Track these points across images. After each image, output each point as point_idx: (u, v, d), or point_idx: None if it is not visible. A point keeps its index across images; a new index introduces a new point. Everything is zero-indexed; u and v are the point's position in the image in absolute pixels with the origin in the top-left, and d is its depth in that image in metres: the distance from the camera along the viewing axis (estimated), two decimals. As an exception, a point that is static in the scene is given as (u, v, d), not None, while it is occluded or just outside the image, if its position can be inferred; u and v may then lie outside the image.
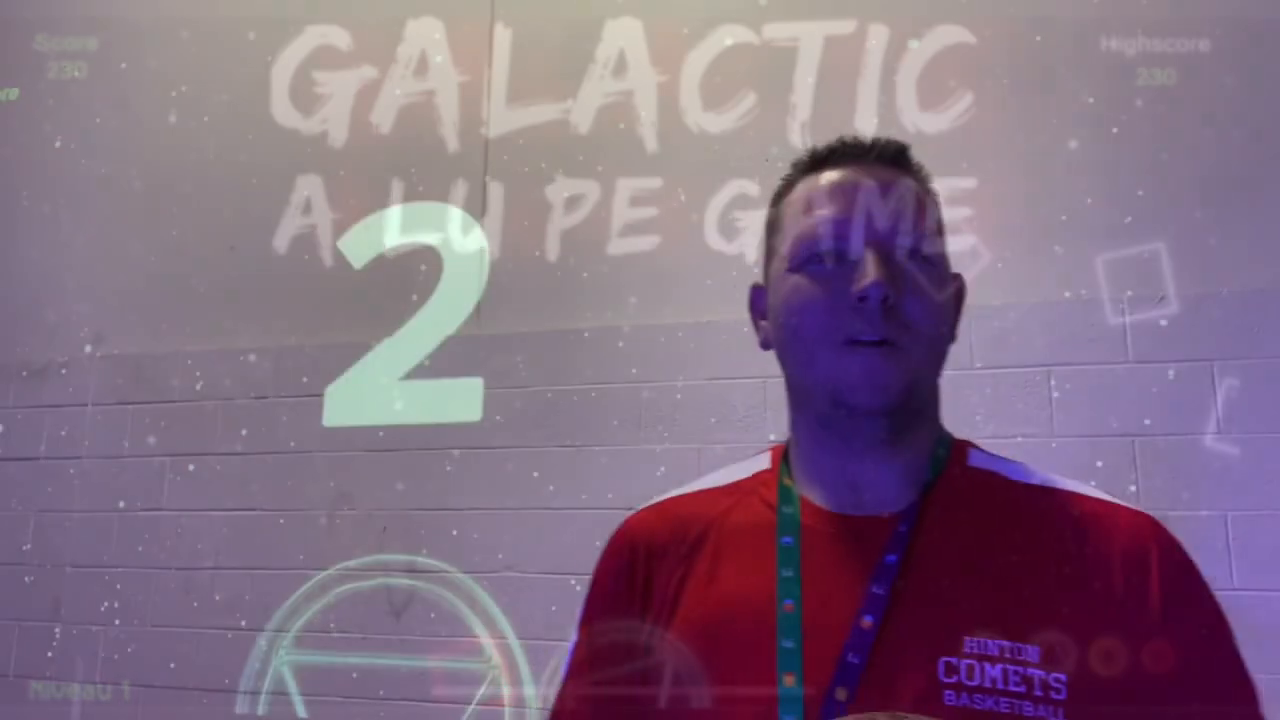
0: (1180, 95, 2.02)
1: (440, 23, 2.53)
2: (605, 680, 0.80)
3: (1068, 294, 1.98)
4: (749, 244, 2.19)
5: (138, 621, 2.38)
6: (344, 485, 2.32)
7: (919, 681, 0.66)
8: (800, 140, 2.17)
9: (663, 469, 2.12)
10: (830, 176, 0.80)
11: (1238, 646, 0.70)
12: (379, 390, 2.34)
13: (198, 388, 2.49)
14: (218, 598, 2.34)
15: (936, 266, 0.77)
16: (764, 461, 0.85)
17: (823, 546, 0.75)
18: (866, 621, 0.68)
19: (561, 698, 0.83)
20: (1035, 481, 0.78)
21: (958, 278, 0.83)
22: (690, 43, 2.34)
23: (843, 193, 0.78)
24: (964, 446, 0.82)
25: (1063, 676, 0.64)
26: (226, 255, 2.57)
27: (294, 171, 2.56)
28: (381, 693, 2.18)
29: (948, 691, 0.65)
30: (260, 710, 2.26)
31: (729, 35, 2.31)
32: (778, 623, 0.71)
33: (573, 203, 2.34)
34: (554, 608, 2.12)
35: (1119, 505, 0.75)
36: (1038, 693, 0.64)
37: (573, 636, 0.85)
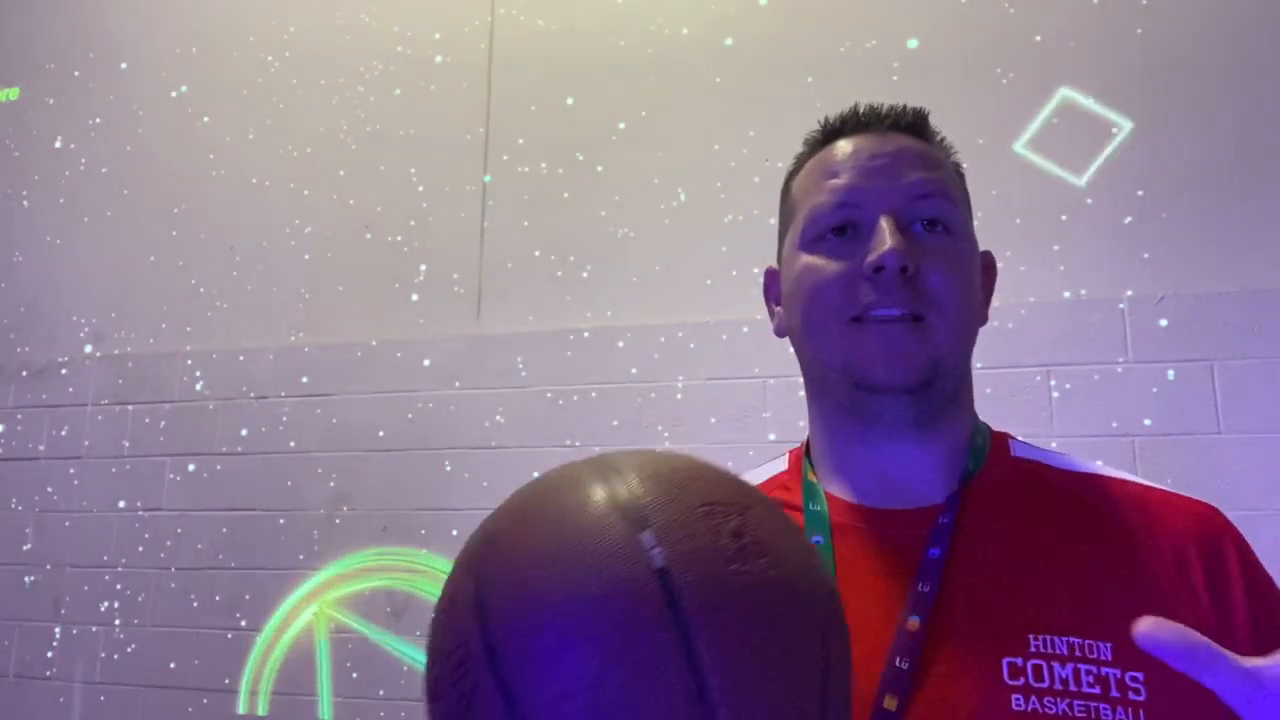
0: (1180, 95, 2.02)
1: (440, 21, 2.54)
2: None
3: (1067, 294, 1.98)
4: (748, 243, 2.19)
5: (138, 621, 2.38)
6: (344, 485, 2.32)
7: (980, 685, 0.59)
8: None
9: (663, 469, 2.12)
10: (843, 147, 0.74)
11: None
12: (379, 390, 2.32)
13: (198, 388, 2.49)
14: (218, 598, 2.34)
15: (960, 238, 0.71)
16: (780, 464, 0.80)
17: (856, 544, 0.68)
18: (913, 622, 0.62)
19: None
20: (1087, 470, 0.72)
21: (986, 254, 0.77)
22: (692, 43, 2.34)
23: (856, 162, 0.72)
24: (1005, 438, 0.76)
25: (1140, 675, 0.58)
26: (226, 255, 2.57)
27: (294, 170, 2.56)
28: (381, 693, 2.18)
29: (1015, 695, 0.58)
30: (260, 710, 2.26)
31: (729, 36, 2.31)
32: None
33: (573, 201, 2.34)
34: (554, 608, 2.11)
35: (1181, 495, 0.70)
36: (1114, 693, 0.58)
37: None
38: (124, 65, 2.79)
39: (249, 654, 2.29)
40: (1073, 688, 0.58)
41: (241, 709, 2.27)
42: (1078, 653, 0.59)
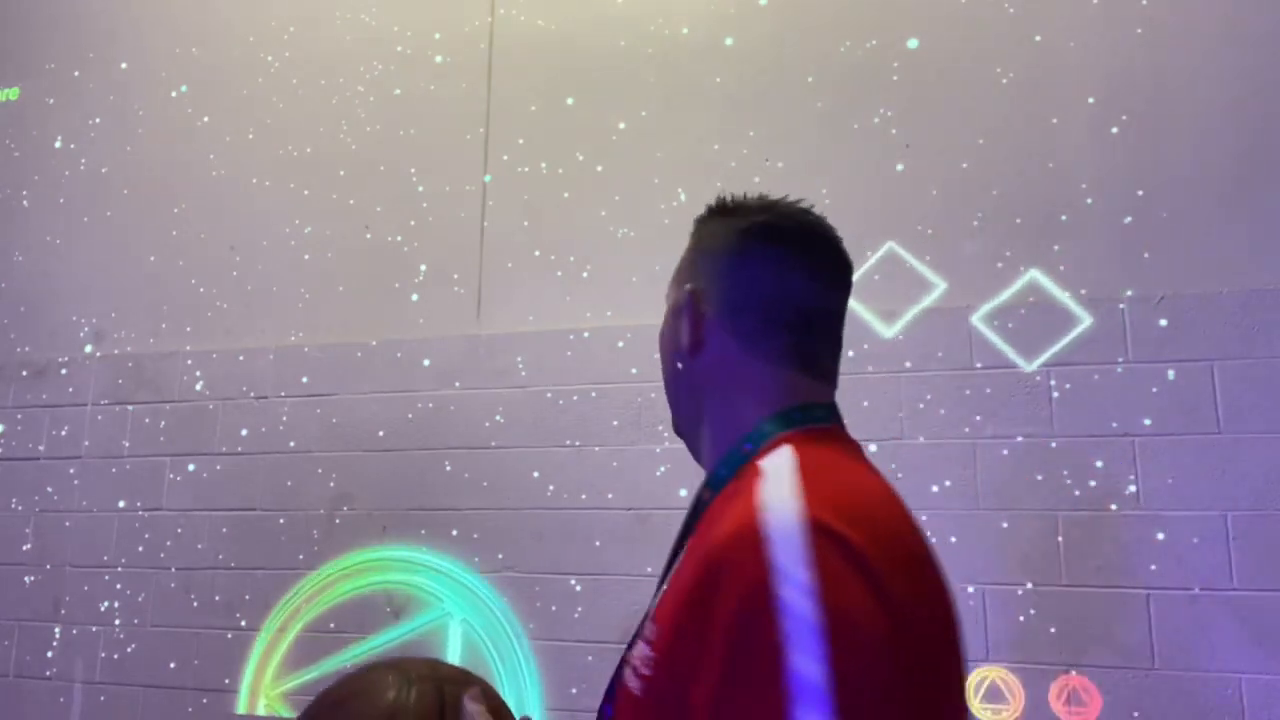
0: (1180, 95, 2.02)
1: (440, 21, 2.54)
2: None
3: (1067, 294, 1.98)
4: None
5: (138, 621, 2.39)
6: (344, 485, 2.32)
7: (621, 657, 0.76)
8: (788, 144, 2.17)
9: (663, 469, 2.12)
10: None
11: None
12: (379, 390, 2.32)
13: (198, 388, 2.49)
14: (218, 598, 2.34)
15: (667, 321, 0.92)
16: None
17: None
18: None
19: None
20: (733, 486, 0.74)
21: (683, 294, 0.87)
22: (692, 43, 2.34)
23: None
24: (759, 460, 0.72)
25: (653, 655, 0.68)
26: (226, 255, 2.57)
27: (294, 170, 2.56)
28: (381, 693, 2.18)
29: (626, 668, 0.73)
30: (260, 710, 2.26)
31: (729, 36, 2.31)
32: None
33: (573, 201, 2.34)
34: (554, 607, 2.12)
35: (739, 512, 0.63)
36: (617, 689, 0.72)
37: None
38: (124, 65, 2.79)
39: (249, 654, 2.29)
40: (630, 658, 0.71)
41: (241, 709, 2.27)
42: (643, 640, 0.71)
